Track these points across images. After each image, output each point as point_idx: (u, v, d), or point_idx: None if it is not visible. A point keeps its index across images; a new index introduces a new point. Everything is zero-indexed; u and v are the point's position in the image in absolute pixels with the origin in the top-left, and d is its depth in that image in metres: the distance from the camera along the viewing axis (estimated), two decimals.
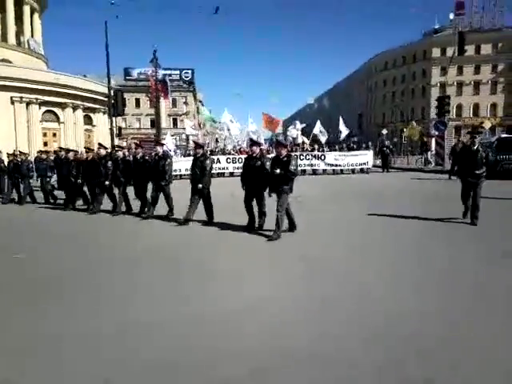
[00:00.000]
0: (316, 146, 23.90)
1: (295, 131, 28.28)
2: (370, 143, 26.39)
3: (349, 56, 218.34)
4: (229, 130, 27.69)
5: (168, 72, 61.08)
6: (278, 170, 7.03)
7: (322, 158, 22.34)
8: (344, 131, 25.58)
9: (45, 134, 33.66)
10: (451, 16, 58.50)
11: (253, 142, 8.53)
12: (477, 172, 7.75)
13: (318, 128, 24.92)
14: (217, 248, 6.69)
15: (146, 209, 9.83)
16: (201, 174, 8.42)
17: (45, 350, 3.30)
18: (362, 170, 22.92)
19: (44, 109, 33.70)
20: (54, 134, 34.59)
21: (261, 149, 8.24)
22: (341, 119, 25.71)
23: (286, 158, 7.17)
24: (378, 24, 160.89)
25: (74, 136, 35.43)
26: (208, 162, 8.54)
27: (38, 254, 6.55)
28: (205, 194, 8.50)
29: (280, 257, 6.04)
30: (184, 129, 41.42)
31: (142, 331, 3.56)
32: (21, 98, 31.46)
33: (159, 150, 9.76)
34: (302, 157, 21.79)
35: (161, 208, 9.70)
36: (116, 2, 23.05)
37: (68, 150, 12.85)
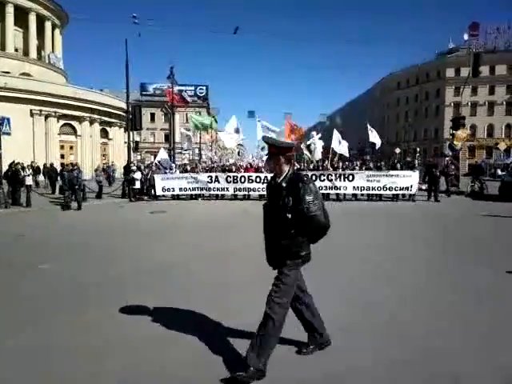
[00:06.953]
0: (341, 164, 19.10)
1: (317, 143, 21.26)
2: (382, 162, 21.60)
3: (362, 75, 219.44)
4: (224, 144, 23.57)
5: (183, 88, 62.42)
6: None
7: (350, 178, 17.47)
8: (377, 142, 19.97)
9: (62, 147, 34.35)
10: (465, 36, 58.74)
11: None
12: None
13: (336, 139, 19.01)
14: None
15: None
16: None
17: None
18: (408, 197, 17.85)
19: (62, 122, 34.51)
20: (71, 147, 35.33)
21: None
22: (369, 127, 19.87)
23: None
24: (390, 44, 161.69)
25: (90, 149, 36.14)
26: None
27: None
28: None
29: None
30: (197, 143, 40.49)
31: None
32: (40, 110, 32.26)
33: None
34: (322, 177, 17.50)
35: None
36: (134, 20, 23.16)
37: None
